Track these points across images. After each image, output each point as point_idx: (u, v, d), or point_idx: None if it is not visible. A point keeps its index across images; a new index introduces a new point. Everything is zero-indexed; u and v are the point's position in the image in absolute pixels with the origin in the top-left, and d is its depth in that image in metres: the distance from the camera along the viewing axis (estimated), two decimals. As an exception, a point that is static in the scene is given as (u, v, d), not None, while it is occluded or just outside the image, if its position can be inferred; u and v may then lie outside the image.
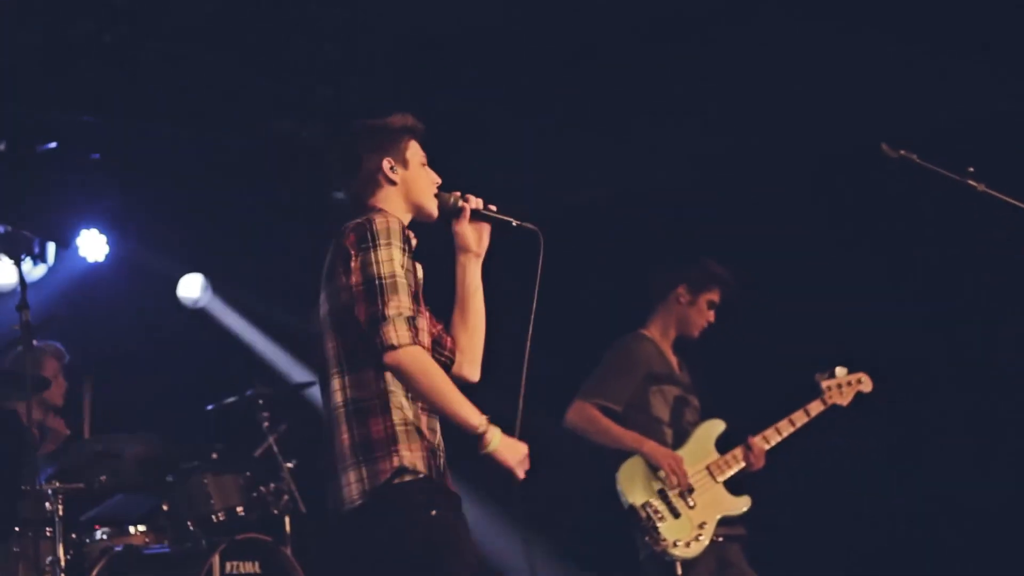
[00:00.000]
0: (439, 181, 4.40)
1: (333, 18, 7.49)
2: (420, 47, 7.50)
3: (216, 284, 8.47)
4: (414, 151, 4.37)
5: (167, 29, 7.09)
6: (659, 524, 5.87)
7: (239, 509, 6.94)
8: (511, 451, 4.02)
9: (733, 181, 7.55)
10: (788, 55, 6.98)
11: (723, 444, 6.17)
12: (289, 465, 7.18)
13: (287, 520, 7.06)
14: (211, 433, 7.43)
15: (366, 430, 4.02)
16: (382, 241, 4.06)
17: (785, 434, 6.14)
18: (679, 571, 5.81)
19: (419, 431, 4.06)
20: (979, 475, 7.09)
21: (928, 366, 7.28)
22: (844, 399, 6.19)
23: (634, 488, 5.94)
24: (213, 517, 6.87)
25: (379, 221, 4.10)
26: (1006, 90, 6.85)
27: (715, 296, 6.29)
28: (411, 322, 3.99)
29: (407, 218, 4.31)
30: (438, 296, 4.42)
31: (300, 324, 8.27)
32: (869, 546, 7.32)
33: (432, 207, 4.35)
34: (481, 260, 4.43)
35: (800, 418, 6.17)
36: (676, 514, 5.92)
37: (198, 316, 8.58)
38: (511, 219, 4.43)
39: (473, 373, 4.40)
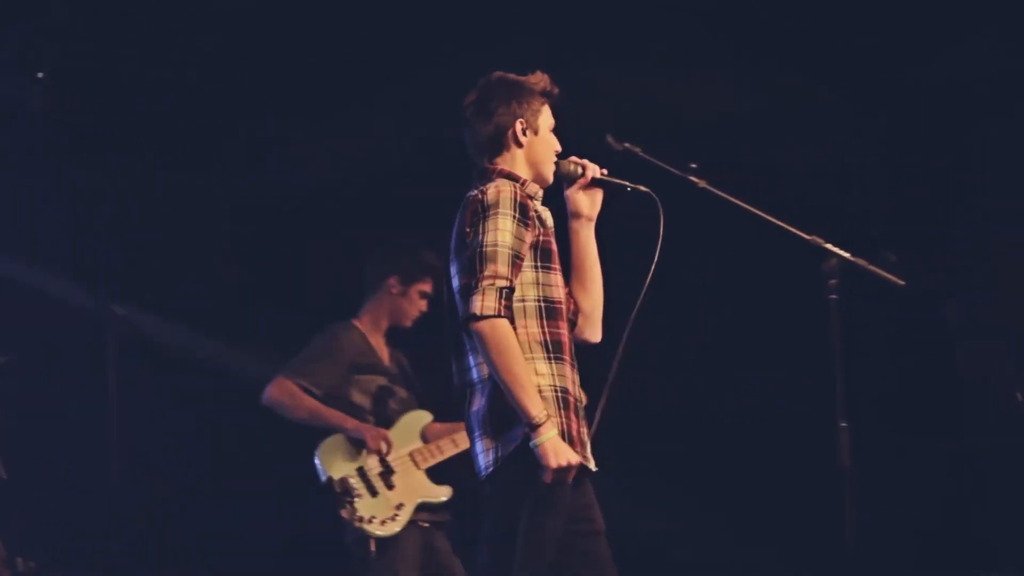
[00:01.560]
0: (560, 149, 4.37)
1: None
2: (151, 9, 7.32)
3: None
4: (546, 116, 4.34)
5: None
6: (356, 500, 5.91)
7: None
8: (557, 452, 3.92)
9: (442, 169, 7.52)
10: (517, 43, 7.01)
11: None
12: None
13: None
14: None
15: (502, 402, 3.99)
16: (491, 211, 4.05)
17: None
18: (373, 548, 5.85)
19: (564, 396, 4.07)
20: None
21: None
22: None
23: (333, 462, 5.99)
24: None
25: (491, 192, 4.09)
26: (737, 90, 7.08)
27: (427, 287, 6.33)
28: (503, 293, 3.97)
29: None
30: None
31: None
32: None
33: (549, 175, 4.34)
34: (594, 224, 4.42)
35: None
36: (374, 492, 5.98)
37: None
38: (627, 184, 4.39)
39: (595, 335, 4.40)
